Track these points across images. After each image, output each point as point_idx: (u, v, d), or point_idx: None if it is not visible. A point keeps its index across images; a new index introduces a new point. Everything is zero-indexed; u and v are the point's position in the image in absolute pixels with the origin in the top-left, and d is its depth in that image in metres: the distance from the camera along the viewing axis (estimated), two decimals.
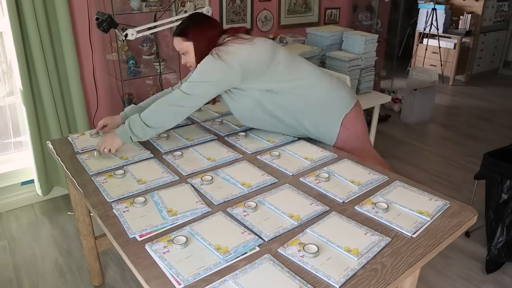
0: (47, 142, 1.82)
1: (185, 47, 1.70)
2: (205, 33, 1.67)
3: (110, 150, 1.62)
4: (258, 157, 1.66)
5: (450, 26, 5.59)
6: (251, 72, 1.63)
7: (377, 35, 2.79)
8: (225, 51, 1.60)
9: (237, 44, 1.64)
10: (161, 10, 2.68)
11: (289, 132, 1.83)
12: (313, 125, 1.76)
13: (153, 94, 2.93)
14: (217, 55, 1.60)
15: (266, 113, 1.74)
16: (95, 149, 1.66)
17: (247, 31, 1.76)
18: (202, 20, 1.72)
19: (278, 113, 1.73)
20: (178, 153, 1.67)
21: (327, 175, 1.49)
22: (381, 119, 4.16)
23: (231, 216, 1.27)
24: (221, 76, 1.61)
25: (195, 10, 2.96)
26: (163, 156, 1.66)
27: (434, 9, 5.35)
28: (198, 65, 1.64)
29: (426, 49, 5.67)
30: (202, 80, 1.60)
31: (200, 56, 1.65)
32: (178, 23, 2.44)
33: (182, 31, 1.70)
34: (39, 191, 2.69)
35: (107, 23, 2.04)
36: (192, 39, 1.67)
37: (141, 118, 1.58)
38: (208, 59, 1.61)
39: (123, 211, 1.28)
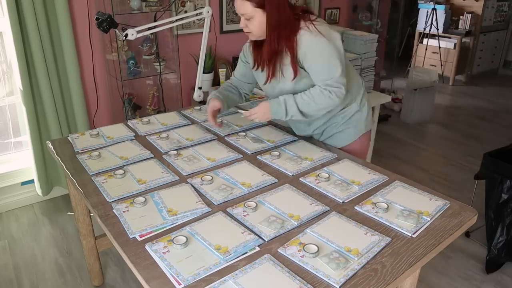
0: (47, 142, 1.82)
1: (251, 13, 1.53)
2: (280, 4, 1.52)
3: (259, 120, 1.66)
4: (258, 157, 1.66)
5: (450, 26, 5.60)
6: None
7: (377, 35, 2.79)
8: (323, 29, 1.54)
9: (326, 26, 1.57)
10: (161, 10, 2.68)
11: (297, 130, 1.85)
12: (329, 131, 1.78)
13: (153, 94, 2.94)
14: (316, 31, 1.52)
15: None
16: (241, 110, 1.75)
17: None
18: None
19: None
20: (178, 153, 1.67)
21: (327, 175, 1.49)
22: (381, 119, 4.16)
23: (231, 216, 1.27)
24: (339, 47, 1.57)
25: (195, 9, 2.96)
26: (163, 156, 1.66)
27: (434, 9, 5.35)
28: (308, 52, 1.52)
29: (426, 49, 5.67)
30: (332, 62, 1.53)
31: (269, 28, 1.53)
32: (178, 23, 2.44)
33: None
34: (39, 191, 2.69)
35: (107, 23, 2.04)
36: (267, 7, 1.51)
37: (297, 104, 1.56)
38: (315, 41, 1.52)
39: (123, 211, 1.28)
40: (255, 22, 1.55)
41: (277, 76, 1.65)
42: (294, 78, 1.61)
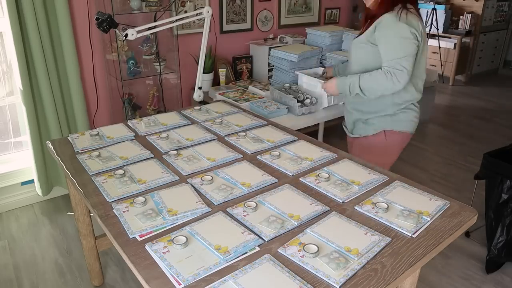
0: (47, 142, 1.82)
1: None
2: None
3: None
4: (258, 157, 1.66)
5: (450, 26, 5.59)
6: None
7: None
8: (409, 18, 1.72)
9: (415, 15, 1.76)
10: (161, 10, 2.68)
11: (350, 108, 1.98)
12: (368, 113, 1.91)
13: (153, 94, 2.94)
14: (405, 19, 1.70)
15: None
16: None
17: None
18: None
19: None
20: (178, 153, 1.67)
21: (327, 175, 1.49)
22: None
23: (231, 216, 1.27)
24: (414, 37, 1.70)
25: (195, 9, 2.96)
26: (163, 156, 1.66)
27: (434, 9, 5.35)
28: (384, 31, 1.71)
29: None
30: (402, 47, 1.70)
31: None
32: (178, 23, 2.44)
33: None
34: (39, 191, 2.69)
35: (107, 23, 2.04)
36: None
37: (360, 87, 1.77)
38: (395, 24, 1.69)
39: (123, 211, 1.28)
40: None
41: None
42: (356, 37, 1.87)
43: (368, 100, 1.85)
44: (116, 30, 2.12)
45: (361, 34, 1.87)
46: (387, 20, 1.70)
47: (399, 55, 1.68)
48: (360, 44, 1.82)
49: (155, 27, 2.21)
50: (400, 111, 1.87)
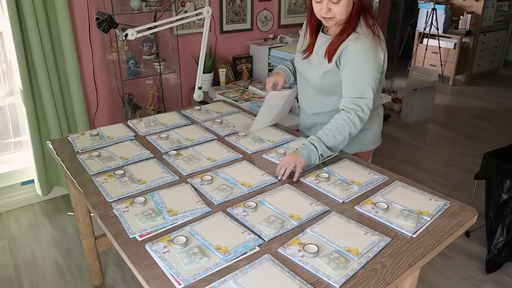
0: (47, 142, 1.82)
1: None
2: None
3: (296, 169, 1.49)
4: (257, 156, 1.65)
5: (450, 26, 5.60)
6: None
7: None
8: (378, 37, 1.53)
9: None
10: (161, 10, 2.68)
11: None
12: None
13: (153, 94, 2.94)
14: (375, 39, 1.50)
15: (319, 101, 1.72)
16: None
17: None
18: None
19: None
20: (178, 153, 1.67)
21: (327, 175, 1.49)
22: None
23: (231, 216, 1.27)
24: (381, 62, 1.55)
25: (195, 9, 2.96)
26: (163, 156, 1.66)
27: (434, 9, 5.35)
28: (355, 56, 1.50)
29: (426, 49, 5.67)
30: (367, 77, 1.51)
31: (355, 14, 1.51)
32: (178, 23, 2.44)
33: None
34: (39, 191, 2.69)
35: (107, 23, 2.04)
36: None
37: (324, 143, 1.51)
38: (367, 49, 1.50)
39: (123, 211, 1.28)
40: (343, 5, 1.48)
41: (319, 58, 1.63)
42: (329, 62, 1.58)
43: None
44: (116, 30, 2.12)
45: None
46: (362, 42, 1.51)
47: (363, 91, 1.54)
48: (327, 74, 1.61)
49: (155, 27, 2.21)
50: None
